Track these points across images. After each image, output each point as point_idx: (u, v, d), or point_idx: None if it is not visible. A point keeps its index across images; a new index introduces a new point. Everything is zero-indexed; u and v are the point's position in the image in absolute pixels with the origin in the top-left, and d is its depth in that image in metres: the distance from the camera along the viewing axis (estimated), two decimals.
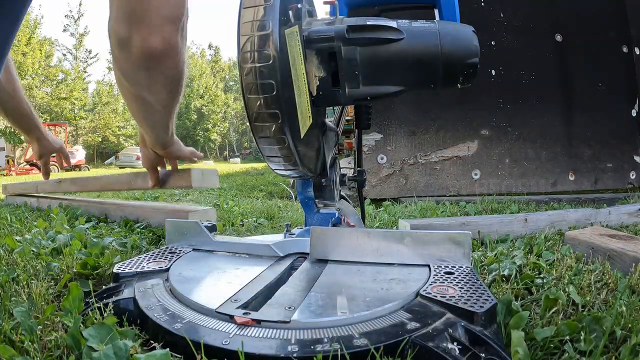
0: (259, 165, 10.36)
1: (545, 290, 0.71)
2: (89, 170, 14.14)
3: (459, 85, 0.74)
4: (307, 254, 0.77)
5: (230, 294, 0.60)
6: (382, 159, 2.29)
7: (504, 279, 0.81)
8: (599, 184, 2.44)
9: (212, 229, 0.89)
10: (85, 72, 21.76)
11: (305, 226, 0.89)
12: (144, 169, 1.20)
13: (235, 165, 17.33)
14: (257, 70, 0.60)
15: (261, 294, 0.62)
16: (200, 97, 28.49)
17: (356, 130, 1.01)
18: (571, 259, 0.90)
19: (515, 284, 0.76)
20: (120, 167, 16.45)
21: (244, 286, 0.64)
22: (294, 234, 0.88)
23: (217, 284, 0.66)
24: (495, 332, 0.51)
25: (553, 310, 0.61)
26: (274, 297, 0.59)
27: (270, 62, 0.60)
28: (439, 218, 1.55)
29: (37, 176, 9.17)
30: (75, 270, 0.87)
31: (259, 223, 1.70)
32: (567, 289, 0.69)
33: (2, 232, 1.32)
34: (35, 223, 1.50)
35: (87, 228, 1.41)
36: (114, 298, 0.62)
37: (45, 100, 18.43)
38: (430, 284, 0.60)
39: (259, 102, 0.61)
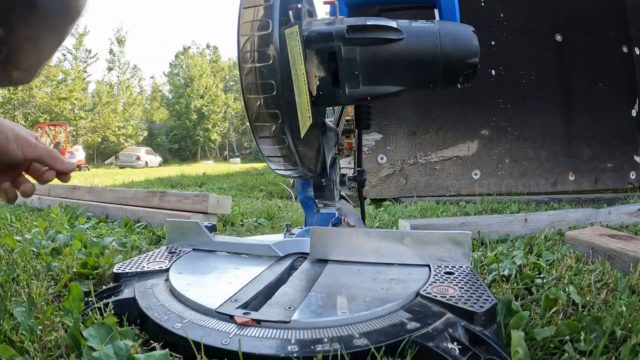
0: (259, 165, 10.36)
1: (545, 290, 0.71)
2: (89, 170, 14.15)
3: (459, 85, 0.74)
4: (307, 254, 0.77)
5: (230, 294, 0.60)
6: (382, 159, 2.29)
7: (504, 279, 0.81)
8: (599, 184, 2.44)
9: (212, 229, 0.89)
10: (85, 72, 21.71)
11: (305, 226, 0.89)
12: (160, 188, 1.12)
13: (235, 165, 17.32)
14: (257, 70, 0.60)
15: (261, 294, 0.61)
16: (200, 97, 28.47)
17: (356, 130, 1.01)
18: (571, 259, 0.90)
19: (515, 284, 0.76)
20: (120, 167, 16.45)
21: (244, 286, 0.64)
22: (294, 234, 0.88)
23: (217, 284, 0.66)
24: (495, 332, 0.51)
25: (553, 310, 0.61)
26: (274, 297, 0.59)
27: (270, 62, 0.60)
28: (439, 218, 1.55)
29: None
30: (75, 270, 0.87)
31: (259, 223, 1.70)
32: (567, 289, 0.69)
33: (2, 232, 1.32)
34: (35, 223, 1.50)
35: (87, 228, 1.41)
36: (114, 298, 0.62)
37: (45, 100, 18.39)
38: (430, 284, 0.60)
39: (259, 102, 0.61)
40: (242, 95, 0.62)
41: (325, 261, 0.74)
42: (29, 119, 17.83)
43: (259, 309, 0.55)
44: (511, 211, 1.70)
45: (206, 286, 0.66)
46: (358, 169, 1.02)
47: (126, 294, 0.63)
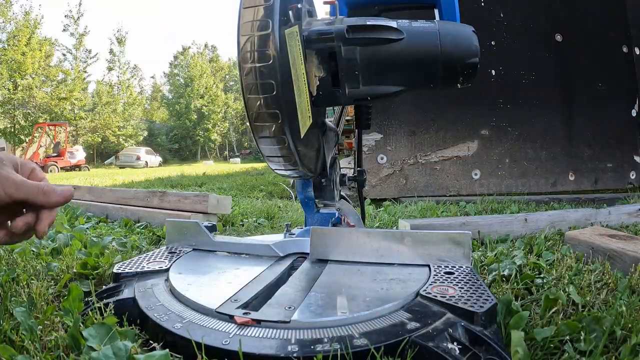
0: (259, 165, 10.36)
1: (545, 290, 0.71)
2: (89, 170, 14.16)
3: (459, 85, 0.74)
4: (307, 254, 0.77)
5: (230, 294, 0.60)
6: (382, 159, 2.29)
7: (504, 279, 0.81)
8: (599, 184, 2.44)
9: (212, 229, 0.89)
10: (85, 72, 21.65)
11: (305, 226, 0.89)
12: (160, 188, 1.14)
13: (235, 165, 17.31)
14: (257, 70, 0.60)
15: (261, 294, 0.61)
16: (201, 97, 28.45)
17: (356, 130, 1.01)
18: (571, 259, 0.90)
19: (515, 284, 0.76)
20: (120, 167, 16.45)
21: (244, 286, 0.64)
22: (294, 234, 0.88)
23: (217, 284, 0.66)
24: (495, 332, 0.51)
25: (553, 310, 0.61)
26: (274, 297, 0.59)
27: (270, 62, 0.60)
28: (439, 218, 1.55)
29: None
30: (75, 270, 0.87)
31: (259, 223, 1.70)
32: (567, 289, 0.69)
33: None
34: None
35: (87, 228, 1.41)
36: (114, 298, 0.62)
37: (45, 100, 18.37)
38: (430, 284, 0.60)
39: (259, 102, 0.61)
40: (242, 95, 0.62)
41: (325, 261, 0.74)
42: (29, 119, 17.83)
43: (259, 309, 0.55)
44: (511, 211, 1.70)
45: (206, 286, 0.66)
46: (358, 169, 1.02)
47: (126, 294, 0.63)
